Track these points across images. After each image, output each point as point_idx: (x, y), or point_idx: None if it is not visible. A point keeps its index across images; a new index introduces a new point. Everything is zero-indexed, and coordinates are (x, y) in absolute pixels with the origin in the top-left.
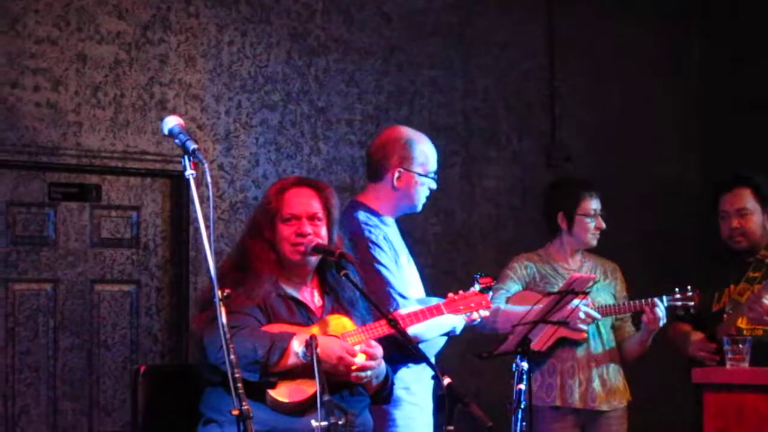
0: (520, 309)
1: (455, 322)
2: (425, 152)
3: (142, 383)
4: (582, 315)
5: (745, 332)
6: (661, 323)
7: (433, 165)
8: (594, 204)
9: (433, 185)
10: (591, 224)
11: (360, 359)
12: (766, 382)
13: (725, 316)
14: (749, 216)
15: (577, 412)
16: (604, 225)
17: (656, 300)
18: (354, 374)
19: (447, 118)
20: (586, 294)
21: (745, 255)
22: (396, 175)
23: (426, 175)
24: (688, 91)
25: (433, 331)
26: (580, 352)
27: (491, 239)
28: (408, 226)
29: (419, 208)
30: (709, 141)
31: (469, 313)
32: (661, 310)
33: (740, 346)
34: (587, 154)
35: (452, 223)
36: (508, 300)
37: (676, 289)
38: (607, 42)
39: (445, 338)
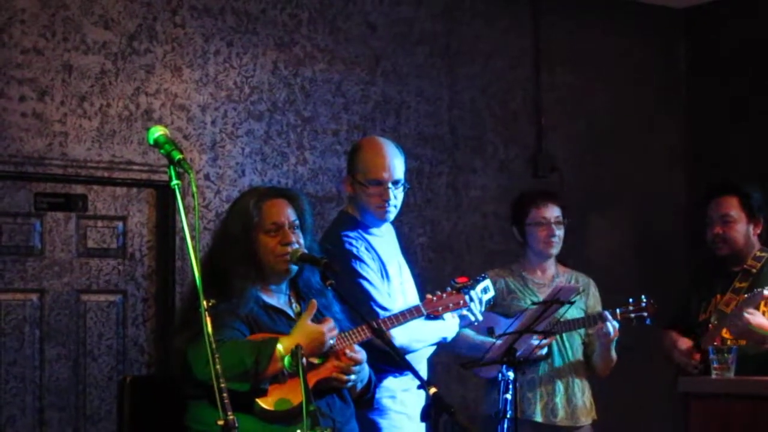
0: (480, 339)
1: (445, 331)
2: (365, 159)
3: (128, 393)
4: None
5: (729, 343)
6: (611, 333)
7: (375, 173)
8: (547, 212)
9: (385, 194)
10: (542, 232)
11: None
12: (751, 392)
13: (710, 326)
14: (732, 224)
15: (536, 426)
16: (557, 232)
17: (604, 313)
18: (336, 375)
19: (433, 128)
20: (571, 303)
21: (732, 265)
22: (347, 182)
23: (362, 183)
24: (676, 99)
25: (421, 342)
26: (543, 366)
27: (478, 249)
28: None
29: (381, 216)
30: (696, 150)
31: (451, 312)
32: (610, 323)
33: (726, 355)
34: (574, 164)
35: (439, 233)
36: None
37: (630, 300)
38: (593, 51)
39: (434, 347)
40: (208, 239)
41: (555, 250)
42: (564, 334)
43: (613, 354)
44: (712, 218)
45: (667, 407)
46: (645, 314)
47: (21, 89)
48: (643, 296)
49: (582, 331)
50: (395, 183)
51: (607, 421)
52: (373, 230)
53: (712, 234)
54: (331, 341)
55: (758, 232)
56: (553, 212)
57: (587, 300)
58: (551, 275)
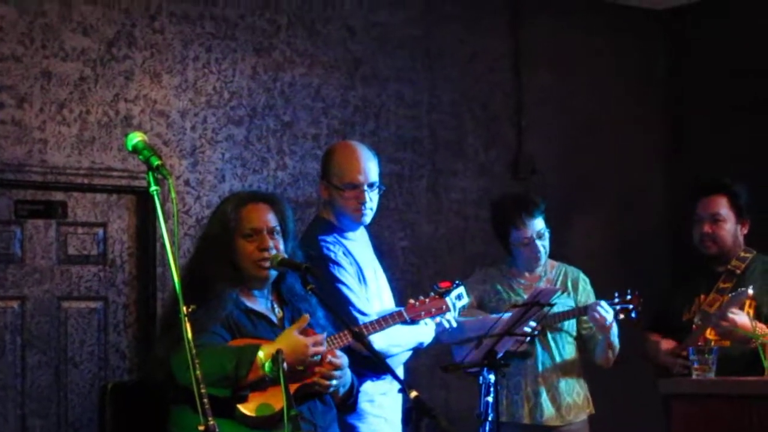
0: (463, 319)
1: (422, 336)
2: (340, 163)
3: (110, 400)
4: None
5: (713, 344)
6: (607, 320)
7: (350, 177)
8: (528, 231)
9: (361, 197)
10: (526, 252)
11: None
12: (732, 392)
13: (694, 327)
14: (722, 223)
15: (525, 427)
16: (540, 246)
17: (592, 304)
18: (318, 379)
19: (413, 131)
20: (551, 305)
21: (716, 265)
22: (321, 187)
23: (338, 187)
24: (656, 100)
25: (399, 347)
26: (528, 366)
27: (458, 252)
28: (374, 239)
29: (358, 219)
30: (676, 150)
31: (432, 318)
32: (603, 310)
33: (706, 356)
34: (554, 165)
35: (419, 236)
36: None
37: (615, 294)
38: (573, 53)
39: (410, 352)
40: (189, 245)
41: (543, 261)
42: (550, 334)
43: (616, 342)
44: (701, 217)
45: (648, 408)
46: (630, 306)
47: (0, 97)
48: (628, 289)
49: (572, 329)
50: (371, 185)
51: (604, 415)
52: (349, 234)
53: (701, 233)
54: (316, 358)
55: (745, 232)
56: (534, 228)
57: (577, 296)
58: (539, 274)
